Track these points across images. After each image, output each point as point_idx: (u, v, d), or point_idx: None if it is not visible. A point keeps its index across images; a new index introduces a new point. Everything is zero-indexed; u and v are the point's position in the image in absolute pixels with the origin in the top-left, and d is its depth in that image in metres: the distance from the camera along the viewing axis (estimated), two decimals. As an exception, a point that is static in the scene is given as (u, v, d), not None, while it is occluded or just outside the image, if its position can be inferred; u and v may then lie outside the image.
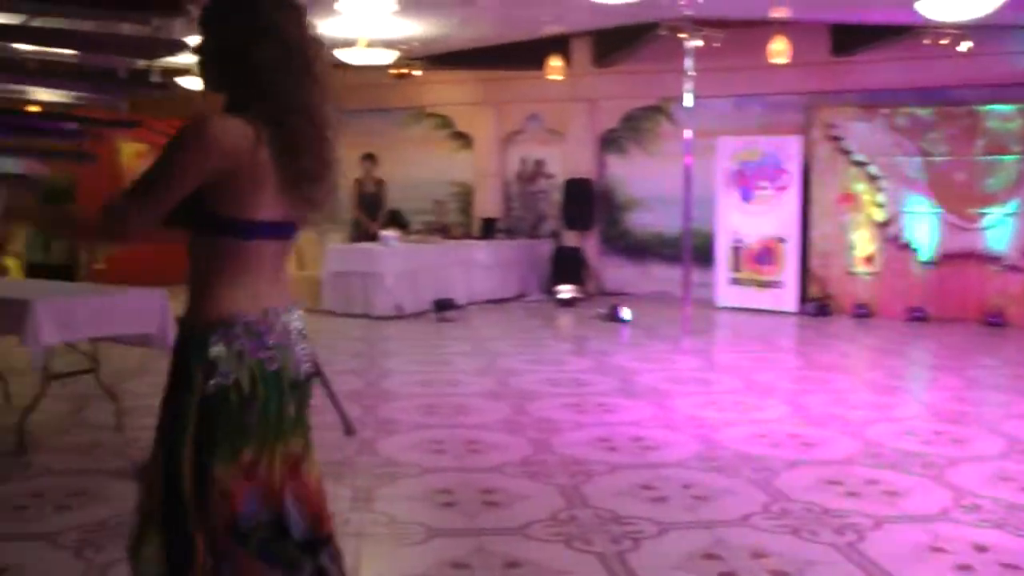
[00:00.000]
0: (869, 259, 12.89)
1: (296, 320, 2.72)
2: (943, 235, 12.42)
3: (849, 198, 12.98)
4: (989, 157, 12.11)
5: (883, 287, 12.82)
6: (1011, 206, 12.01)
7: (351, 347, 9.85)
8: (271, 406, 2.59)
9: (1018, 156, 11.92)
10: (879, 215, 12.79)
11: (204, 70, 2.64)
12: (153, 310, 6.18)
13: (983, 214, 12.20)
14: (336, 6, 10.37)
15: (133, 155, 15.75)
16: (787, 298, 13.13)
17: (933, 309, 12.39)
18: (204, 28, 2.60)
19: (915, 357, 10.05)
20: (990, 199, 12.16)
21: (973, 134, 12.17)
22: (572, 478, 5.41)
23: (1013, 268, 11.99)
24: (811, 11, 11.80)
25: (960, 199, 12.28)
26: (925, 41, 11.41)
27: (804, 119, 13.39)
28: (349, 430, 6.21)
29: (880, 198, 12.76)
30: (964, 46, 11.29)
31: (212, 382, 2.49)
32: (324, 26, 10.15)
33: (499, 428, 6.57)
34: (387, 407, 7.16)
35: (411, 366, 8.87)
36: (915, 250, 12.58)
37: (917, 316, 12.36)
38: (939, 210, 12.41)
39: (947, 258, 12.41)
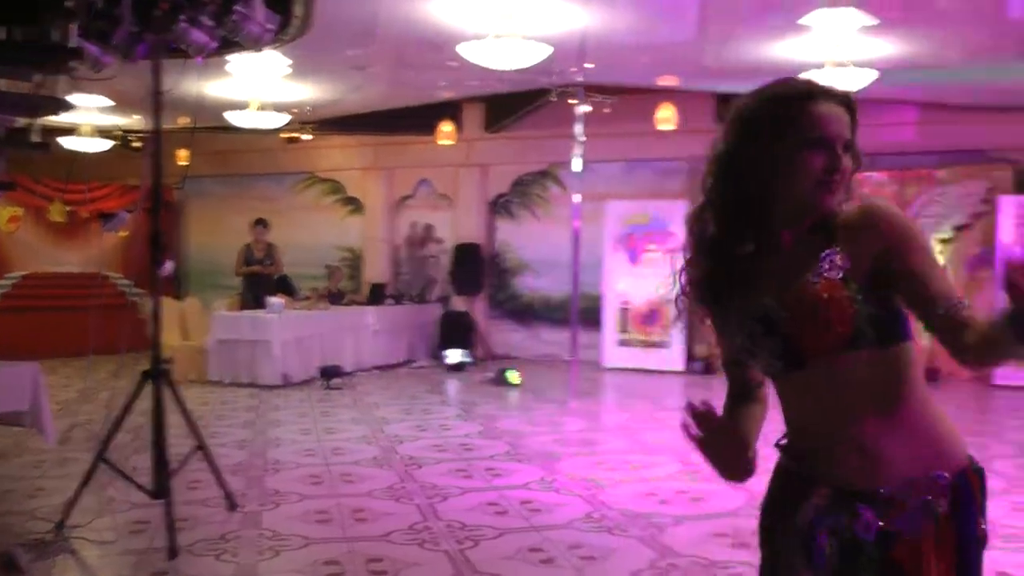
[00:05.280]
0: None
1: None
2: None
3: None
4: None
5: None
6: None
7: (237, 417, 9.63)
8: None
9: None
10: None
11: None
12: (23, 386, 5.83)
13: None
14: (227, 68, 10.29)
15: (7, 219, 15.20)
16: (674, 358, 13.30)
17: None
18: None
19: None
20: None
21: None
22: (460, 544, 5.35)
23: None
24: (697, 80, 12.12)
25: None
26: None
27: (690, 184, 13.66)
28: (231, 504, 6.05)
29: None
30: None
31: (983, 520, 2.04)
32: (215, 88, 10.01)
33: (386, 496, 6.47)
34: (272, 478, 6.99)
35: (297, 435, 8.68)
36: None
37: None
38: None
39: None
